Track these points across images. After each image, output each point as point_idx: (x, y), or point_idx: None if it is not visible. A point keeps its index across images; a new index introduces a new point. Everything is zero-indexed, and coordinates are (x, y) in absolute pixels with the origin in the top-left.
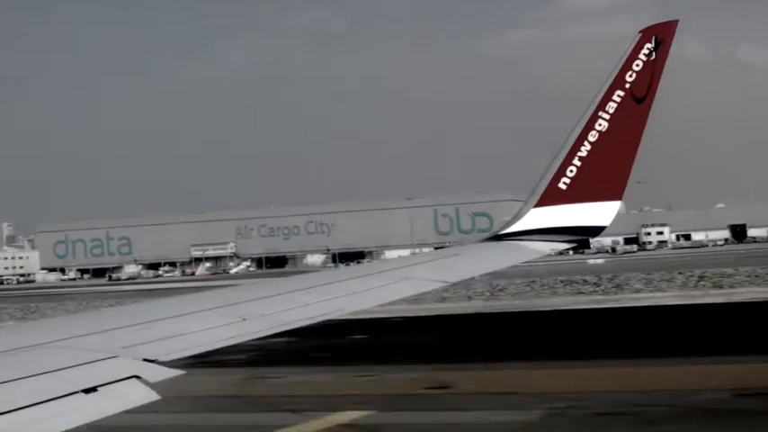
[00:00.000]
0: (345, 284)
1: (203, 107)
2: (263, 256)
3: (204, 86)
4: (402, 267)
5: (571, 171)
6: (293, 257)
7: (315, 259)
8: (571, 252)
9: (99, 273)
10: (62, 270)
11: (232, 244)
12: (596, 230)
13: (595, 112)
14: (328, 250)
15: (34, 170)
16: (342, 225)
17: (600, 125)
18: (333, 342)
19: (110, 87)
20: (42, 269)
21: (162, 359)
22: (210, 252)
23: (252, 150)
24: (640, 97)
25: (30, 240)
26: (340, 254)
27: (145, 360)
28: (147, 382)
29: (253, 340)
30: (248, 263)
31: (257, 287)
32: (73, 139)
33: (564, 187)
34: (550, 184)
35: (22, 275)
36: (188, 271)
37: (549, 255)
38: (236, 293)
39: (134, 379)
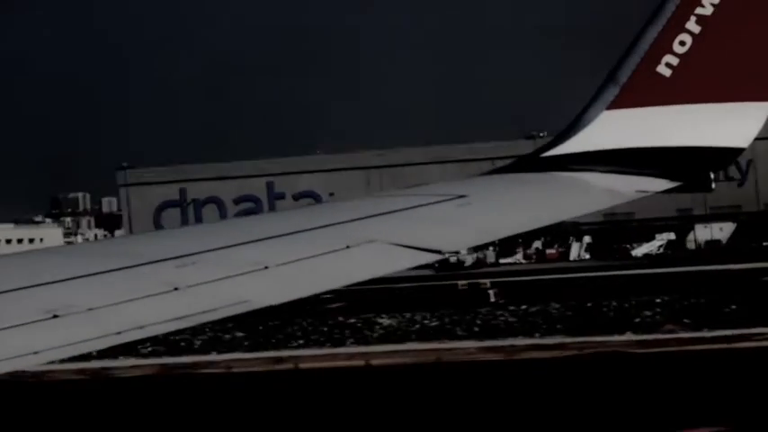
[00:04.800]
0: (253, 251)
1: None
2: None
3: None
4: (360, 219)
5: (682, 44)
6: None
7: None
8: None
9: None
10: None
11: None
12: (724, 157)
13: None
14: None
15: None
16: None
17: None
18: None
19: None
20: None
21: None
22: None
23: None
24: None
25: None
26: None
27: None
28: None
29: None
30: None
31: (81, 254)
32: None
33: (667, 73)
34: (640, 66)
35: None
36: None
37: (634, 201)
38: (42, 261)
39: None
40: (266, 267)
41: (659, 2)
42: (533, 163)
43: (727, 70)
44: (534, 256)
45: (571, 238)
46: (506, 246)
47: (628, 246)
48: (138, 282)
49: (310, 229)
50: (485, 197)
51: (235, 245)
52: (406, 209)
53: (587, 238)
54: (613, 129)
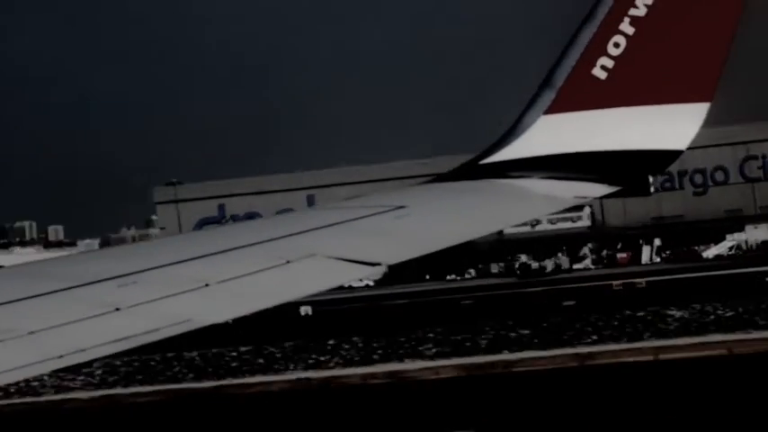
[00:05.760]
0: (193, 268)
1: None
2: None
3: None
4: (297, 234)
5: (617, 46)
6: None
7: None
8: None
9: None
10: None
11: (587, 210)
12: (662, 160)
13: None
14: None
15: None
16: None
17: None
18: None
19: None
20: None
21: None
22: (547, 226)
23: None
24: None
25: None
26: None
27: None
28: None
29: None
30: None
31: (21, 276)
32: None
33: (603, 76)
34: (575, 69)
35: None
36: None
37: (574, 207)
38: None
39: None
40: (207, 285)
41: (593, 3)
42: (472, 171)
43: (663, 72)
44: (605, 261)
45: (641, 241)
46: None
47: (696, 248)
48: (79, 303)
49: (251, 245)
50: (423, 207)
51: (175, 262)
52: (347, 221)
53: (657, 242)
54: (551, 134)
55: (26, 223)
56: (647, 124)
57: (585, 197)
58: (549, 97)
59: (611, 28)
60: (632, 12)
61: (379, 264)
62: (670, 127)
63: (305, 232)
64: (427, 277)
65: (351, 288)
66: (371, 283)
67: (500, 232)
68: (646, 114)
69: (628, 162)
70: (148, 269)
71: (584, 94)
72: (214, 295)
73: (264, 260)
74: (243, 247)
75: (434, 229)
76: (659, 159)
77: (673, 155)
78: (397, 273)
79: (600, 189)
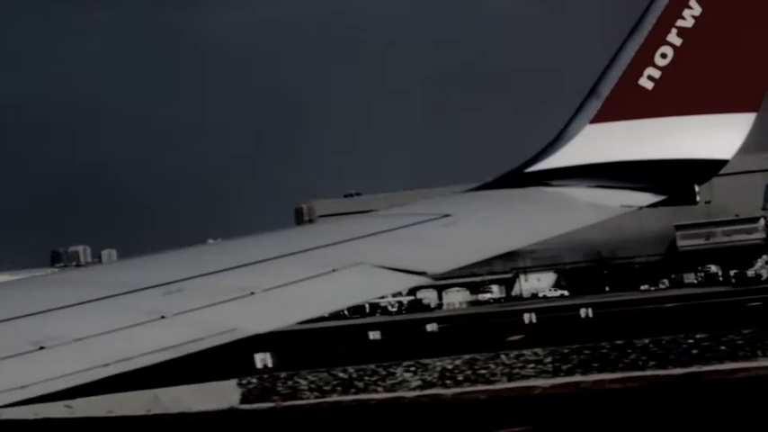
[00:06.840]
0: (239, 276)
1: None
2: None
3: None
4: (342, 242)
5: (664, 56)
6: None
7: None
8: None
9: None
10: None
11: (762, 222)
12: (708, 169)
13: None
14: None
15: None
16: None
17: None
18: None
19: None
20: None
21: None
22: (721, 238)
23: None
24: None
25: None
26: None
27: None
28: None
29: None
30: None
31: (68, 283)
32: None
33: (649, 86)
34: (622, 79)
35: None
36: None
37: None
38: (30, 290)
39: None
40: (252, 293)
41: (640, 15)
42: (517, 179)
43: (709, 82)
44: None
45: None
46: None
47: None
48: (124, 310)
49: (296, 253)
50: (469, 216)
51: (221, 270)
52: (392, 229)
53: None
54: (597, 142)
55: (80, 247)
56: (693, 134)
57: (632, 206)
58: (594, 106)
59: (658, 39)
60: (680, 23)
61: (424, 273)
62: (716, 137)
63: (351, 240)
64: (606, 289)
65: (545, 298)
66: (566, 293)
67: (674, 245)
68: (692, 124)
69: (674, 171)
70: (194, 276)
71: (630, 104)
72: (259, 304)
73: (310, 268)
74: (288, 254)
75: (480, 238)
76: (705, 168)
77: (718, 164)
78: (580, 283)
79: (646, 198)
